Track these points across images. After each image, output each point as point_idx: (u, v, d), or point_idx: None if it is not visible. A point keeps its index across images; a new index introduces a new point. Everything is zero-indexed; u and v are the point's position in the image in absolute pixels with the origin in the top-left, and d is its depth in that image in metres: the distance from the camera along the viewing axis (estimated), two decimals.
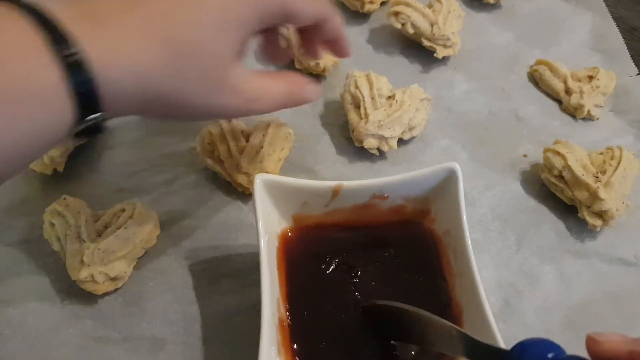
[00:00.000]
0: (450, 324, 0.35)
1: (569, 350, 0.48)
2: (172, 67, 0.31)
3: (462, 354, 0.34)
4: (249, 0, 0.34)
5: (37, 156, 0.30)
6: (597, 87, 0.61)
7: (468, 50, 0.65)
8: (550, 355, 0.27)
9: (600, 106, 0.61)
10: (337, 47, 0.44)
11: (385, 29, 0.67)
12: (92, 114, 0.30)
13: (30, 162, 0.31)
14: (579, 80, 0.62)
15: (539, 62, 0.64)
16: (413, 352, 0.41)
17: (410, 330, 0.39)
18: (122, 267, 0.46)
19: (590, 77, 0.62)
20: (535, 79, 0.64)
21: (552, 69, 0.63)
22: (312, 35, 0.42)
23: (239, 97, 0.36)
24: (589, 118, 0.61)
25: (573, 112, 0.61)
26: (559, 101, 0.63)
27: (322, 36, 0.42)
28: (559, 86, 0.62)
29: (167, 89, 0.32)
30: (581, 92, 0.60)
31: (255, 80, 0.37)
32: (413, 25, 0.61)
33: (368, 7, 0.66)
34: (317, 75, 0.62)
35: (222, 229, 0.51)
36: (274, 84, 0.39)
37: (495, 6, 0.71)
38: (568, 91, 0.62)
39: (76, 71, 0.28)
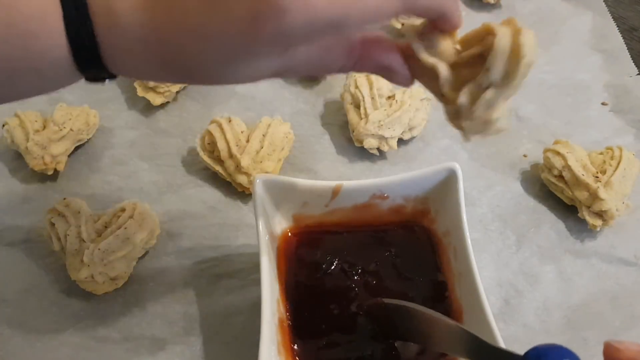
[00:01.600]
0: (457, 324, 0.35)
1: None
2: None
3: (468, 356, 0.33)
4: None
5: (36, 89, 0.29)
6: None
7: None
8: None
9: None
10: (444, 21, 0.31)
11: (385, 29, 0.67)
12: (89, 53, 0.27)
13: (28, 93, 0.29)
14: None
15: None
16: (414, 352, 0.41)
17: (414, 330, 0.39)
18: (122, 267, 0.46)
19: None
20: None
21: None
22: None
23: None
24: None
25: None
26: None
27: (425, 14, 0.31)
28: None
29: (189, 23, 0.26)
30: None
31: None
32: None
33: None
34: (316, 76, 0.62)
35: (222, 229, 0.51)
36: None
37: (495, 6, 0.71)
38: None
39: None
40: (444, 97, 0.30)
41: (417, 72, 0.31)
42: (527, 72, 0.29)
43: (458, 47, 0.30)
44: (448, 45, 0.30)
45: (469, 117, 0.30)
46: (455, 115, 0.31)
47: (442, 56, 0.29)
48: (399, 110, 0.54)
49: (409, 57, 0.31)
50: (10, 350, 0.44)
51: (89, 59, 0.27)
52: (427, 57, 0.29)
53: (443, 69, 0.29)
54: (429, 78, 0.30)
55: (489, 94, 0.29)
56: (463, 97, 0.29)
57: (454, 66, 0.30)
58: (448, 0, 0.30)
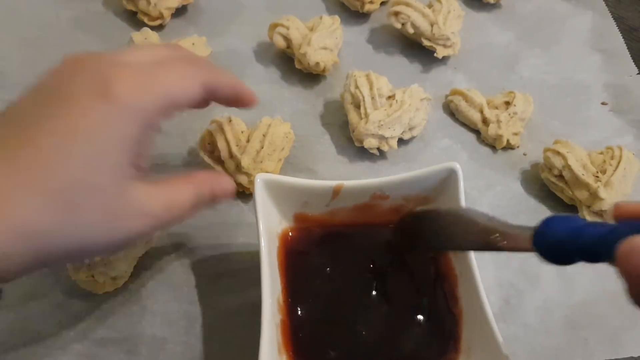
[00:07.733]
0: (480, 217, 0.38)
1: (568, 350, 0.48)
2: (62, 216, 0.28)
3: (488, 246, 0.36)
4: (125, 116, 0.30)
5: None
6: (515, 113, 0.57)
7: (468, 50, 0.65)
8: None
9: (519, 133, 0.58)
10: (241, 101, 0.39)
11: (385, 29, 0.67)
12: None
13: None
14: (496, 108, 0.58)
15: (454, 92, 0.60)
16: (415, 348, 0.41)
17: (445, 236, 0.41)
18: (122, 267, 0.46)
19: (507, 103, 0.58)
20: (451, 110, 0.61)
21: (467, 99, 0.59)
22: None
23: (145, 219, 0.32)
24: (509, 147, 0.58)
25: (492, 143, 0.58)
26: (478, 132, 0.59)
27: (224, 100, 0.38)
28: (475, 117, 0.58)
29: (63, 241, 0.29)
30: (498, 122, 0.57)
31: (160, 193, 0.33)
32: (413, 25, 0.61)
33: (368, 7, 0.66)
34: (317, 75, 0.62)
35: (223, 229, 0.51)
36: (180, 190, 0.35)
37: (495, 6, 0.71)
38: (485, 121, 0.58)
39: None
40: None
41: None
42: None
43: None
44: None
45: None
46: None
47: None
48: (399, 110, 0.54)
49: None
50: (13, 358, 0.44)
51: None
52: None
53: None
54: None
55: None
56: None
57: None
58: (239, 83, 0.38)
